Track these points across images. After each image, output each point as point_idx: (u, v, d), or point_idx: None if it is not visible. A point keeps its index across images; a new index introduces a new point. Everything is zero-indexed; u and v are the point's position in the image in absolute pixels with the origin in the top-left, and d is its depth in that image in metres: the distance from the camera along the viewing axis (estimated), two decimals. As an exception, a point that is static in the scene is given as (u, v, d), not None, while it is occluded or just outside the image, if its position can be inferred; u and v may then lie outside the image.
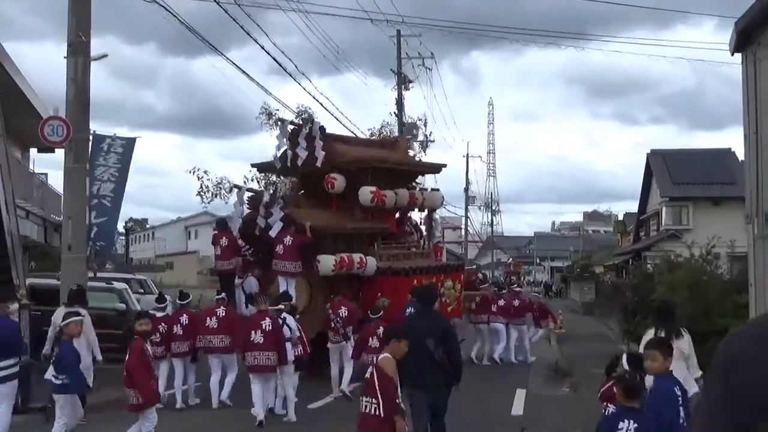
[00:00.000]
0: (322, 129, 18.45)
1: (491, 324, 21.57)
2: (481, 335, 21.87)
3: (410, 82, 39.68)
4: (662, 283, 19.06)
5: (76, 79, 14.86)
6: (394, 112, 38.57)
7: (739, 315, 15.73)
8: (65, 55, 14.97)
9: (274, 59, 23.06)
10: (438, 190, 22.56)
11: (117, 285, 22.20)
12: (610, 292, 39.87)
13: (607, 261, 66.21)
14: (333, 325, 15.71)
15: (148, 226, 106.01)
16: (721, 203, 44.55)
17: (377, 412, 7.36)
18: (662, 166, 48.82)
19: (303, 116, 19.39)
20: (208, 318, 14.35)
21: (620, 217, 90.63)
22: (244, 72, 22.10)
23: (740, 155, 45.70)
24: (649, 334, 9.74)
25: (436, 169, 22.68)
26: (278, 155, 18.65)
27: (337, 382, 15.54)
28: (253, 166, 21.82)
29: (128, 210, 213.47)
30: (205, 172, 30.76)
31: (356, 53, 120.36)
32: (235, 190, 19.17)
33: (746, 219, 14.57)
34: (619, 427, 6.32)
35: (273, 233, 17.07)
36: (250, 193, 18.90)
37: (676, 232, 43.91)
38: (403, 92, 39.00)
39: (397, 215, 20.59)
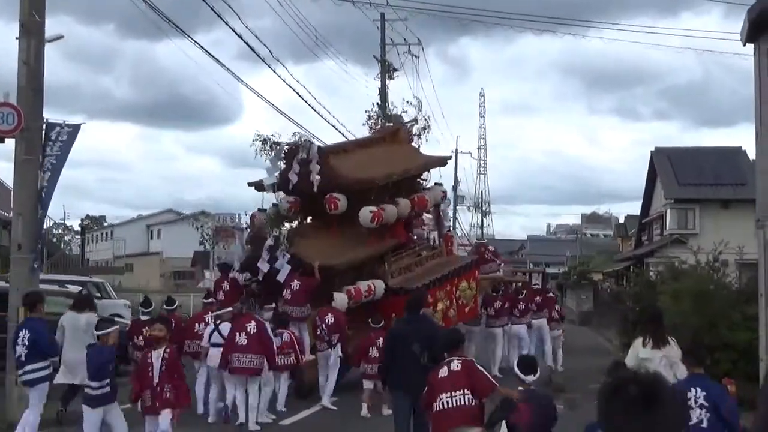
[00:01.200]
0: (319, 150, 18.99)
1: (513, 327, 22.17)
2: (499, 340, 21.99)
3: (395, 70, 39.63)
4: (665, 292, 19.18)
5: (29, 63, 14.76)
6: (377, 103, 38.58)
7: (748, 327, 15.83)
8: (17, 35, 14.88)
9: (246, 43, 22.91)
10: (440, 184, 22.71)
11: (72, 289, 22.07)
12: (610, 301, 40.10)
13: (607, 267, 66.51)
14: (319, 332, 16.62)
15: (106, 224, 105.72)
16: (730, 206, 44.85)
17: (471, 402, 8.54)
18: (667, 166, 49.05)
19: (300, 140, 19.74)
20: (237, 334, 14.20)
21: (621, 220, 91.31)
22: (213, 57, 22.05)
23: (751, 154, 46.11)
24: (638, 341, 11.08)
25: (440, 162, 23.10)
26: (269, 180, 19.21)
27: (324, 390, 16.45)
28: (250, 185, 21.65)
29: (84, 207, 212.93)
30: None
31: (335, 38, 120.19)
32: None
33: (757, 223, 14.63)
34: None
35: (281, 278, 17.58)
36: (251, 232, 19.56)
37: (681, 237, 44.18)
38: (387, 81, 39.00)
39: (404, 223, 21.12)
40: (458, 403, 8.69)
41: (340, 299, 17.46)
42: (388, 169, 19.83)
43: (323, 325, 16.57)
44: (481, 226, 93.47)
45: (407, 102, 38.09)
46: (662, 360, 10.59)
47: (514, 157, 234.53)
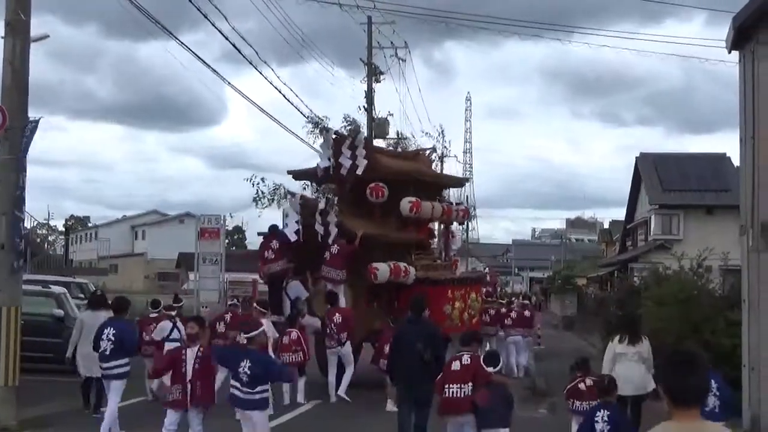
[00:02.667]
0: (365, 139, 20.50)
1: (511, 337, 23.66)
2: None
3: (381, 73, 39.64)
4: (649, 298, 19.23)
5: (14, 62, 14.68)
6: (364, 106, 38.56)
7: (732, 333, 15.87)
8: (2, 35, 14.80)
9: (233, 45, 22.94)
10: (460, 203, 23.65)
11: (55, 289, 21.91)
12: (594, 306, 40.19)
13: (591, 272, 66.61)
14: (328, 331, 17.57)
15: (90, 224, 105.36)
16: (715, 212, 45.05)
17: (469, 393, 10.37)
18: (652, 172, 49.21)
19: (350, 126, 20.89)
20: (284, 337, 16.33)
21: (606, 225, 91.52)
22: (198, 57, 21.99)
23: (735, 161, 46.31)
24: (615, 339, 13.00)
25: (459, 183, 25.05)
26: (321, 165, 20.11)
27: (334, 387, 17.41)
28: (289, 173, 22.58)
29: (69, 207, 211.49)
30: (263, 179, 34.25)
31: (322, 41, 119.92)
32: (289, 197, 20.37)
33: (741, 230, 14.69)
34: (596, 415, 9.31)
35: (330, 240, 18.68)
36: (301, 201, 20.15)
37: (665, 243, 44.32)
38: (374, 85, 38.99)
39: (429, 227, 22.66)
40: (464, 394, 10.51)
41: (383, 269, 18.53)
42: (421, 170, 21.64)
43: (332, 325, 17.51)
44: (466, 230, 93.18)
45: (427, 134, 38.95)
46: (635, 355, 12.62)
47: (499, 161, 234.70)
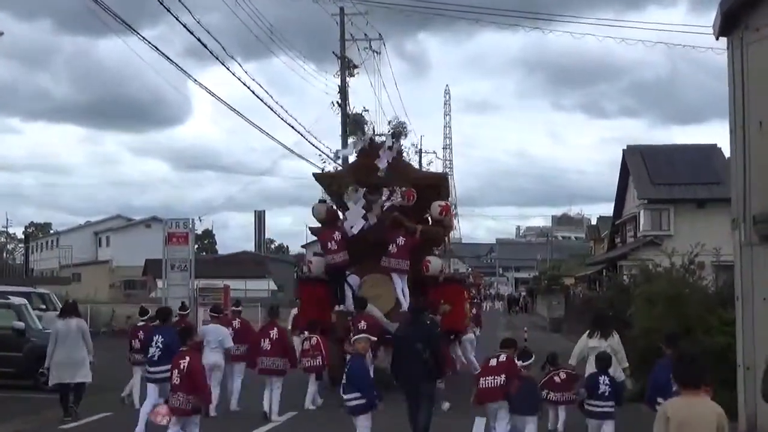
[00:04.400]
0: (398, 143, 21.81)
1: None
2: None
3: (355, 67, 39.60)
4: (639, 296, 19.31)
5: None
6: (337, 102, 38.52)
7: (725, 332, 15.95)
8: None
9: (198, 39, 22.89)
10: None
11: (15, 300, 21.76)
12: (582, 306, 40.29)
13: (579, 271, 66.86)
14: (351, 337, 17.73)
15: (51, 231, 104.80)
16: (706, 206, 45.33)
17: (501, 383, 12.27)
18: (640, 165, 49.41)
19: (398, 129, 21.76)
20: (262, 339, 16.88)
21: (593, 222, 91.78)
22: (160, 52, 21.85)
23: (726, 152, 46.58)
24: (586, 334, 14.84)
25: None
26: (347, 153, 21.81)
27: None
28: (313, 175, 23.62)
29: (28, 213, 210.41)
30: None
31: (291, 34, 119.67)
32: (352, 189, 20.98)
33: (732, 223, 14.78)
34: (599, 380, 12.55)
35: (393, 233, 20.21)
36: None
37: (655, 239, 44.50)
38: (348, 79, 38.95)
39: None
40: (490, 385, 12.37)
41: (436, 262, 21.25)
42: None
43: (357, 331, 17.58)
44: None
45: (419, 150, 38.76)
46: (607, 348, 14.00)
47: (479, 156, 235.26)
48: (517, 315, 71.56)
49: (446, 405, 17.08)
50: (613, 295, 23.11)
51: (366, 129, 23.18)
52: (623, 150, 52.23)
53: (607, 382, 12.42)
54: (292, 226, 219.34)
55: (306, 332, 18.43)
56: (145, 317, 18.14)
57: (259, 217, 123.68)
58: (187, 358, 11.52)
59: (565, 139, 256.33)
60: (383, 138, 22.08)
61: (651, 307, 18.08)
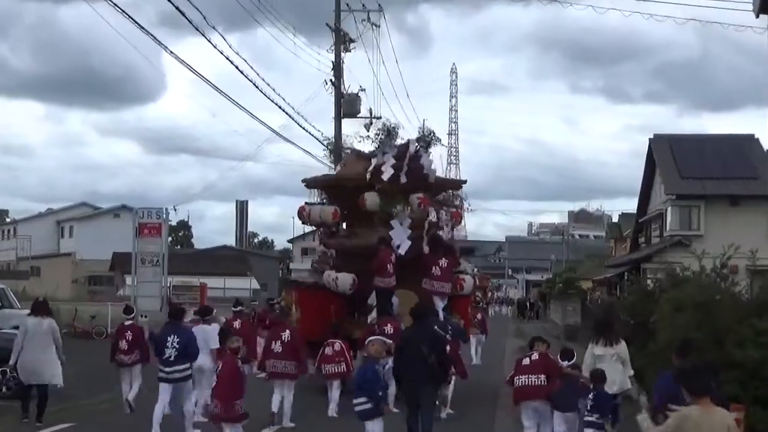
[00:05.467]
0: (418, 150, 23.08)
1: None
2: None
3: (352, 41, 39.59)
4: (664, 303, 19.29)
5: None
6: (331, 80, 38.51)
7: (760, 344, 15.93)
8: None
9: (175, 6, 22.88)
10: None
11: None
12: (601, 313, 40.30)
13: (597, 274, 66.95)
14: None
15: (8, 219, 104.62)
16: (741, 203, 45.38)
17: (542, 383, 13.78)
18: (668, 156, 49.41)
19: (428, 137, 23.81)
20: (273, 341, 17.73)
21: (614, 219, 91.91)
22: (133, 20, 21.84)
23: (765, 143, 46.62)
24: (593, 344, 15.42)
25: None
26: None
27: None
28: (303, 182, 24.80)
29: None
30: None
31: (277, 1, 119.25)
32: (399, 208, 22.08)
33: (770, 223, 14.80)
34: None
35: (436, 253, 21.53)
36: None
37: (683, 239, 44.55)
38: (343, 54, 38.92)
39: None
40: (533, 383, 13.84)
41: (469, 280, 23.57)
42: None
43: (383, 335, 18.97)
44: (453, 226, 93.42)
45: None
46: (613, 356, 15.02)
47: (486, 144, 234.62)
48: (529, 321, 71.61)
49: (445, 413, 18.06)
50: (636, 301, 23.06)
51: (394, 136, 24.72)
52: (649, 139, 52.30)
53: (590, 397, 13.44)
54: (278, 219, 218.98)
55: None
56: (132, 316, 19.04)
57: (241, 208, 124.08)
58: (221, 364, 12.83)
59: (584, 126, 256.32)
60: (410, 145, 23.29)
61: (678, 315, 18.06)
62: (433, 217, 22.02)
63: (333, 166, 36.40)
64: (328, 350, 18.77)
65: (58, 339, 17.28)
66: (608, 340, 15.34)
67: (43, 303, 18.18)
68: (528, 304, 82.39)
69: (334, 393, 18.60)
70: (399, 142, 32.20)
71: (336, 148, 38.50)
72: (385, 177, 21.50)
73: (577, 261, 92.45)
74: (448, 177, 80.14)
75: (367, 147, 37.11)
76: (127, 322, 18.96)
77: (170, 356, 15.57)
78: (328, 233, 23.64)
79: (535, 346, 14.71)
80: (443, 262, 21.47)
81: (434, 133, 28.17)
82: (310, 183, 25.05)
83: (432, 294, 21.22)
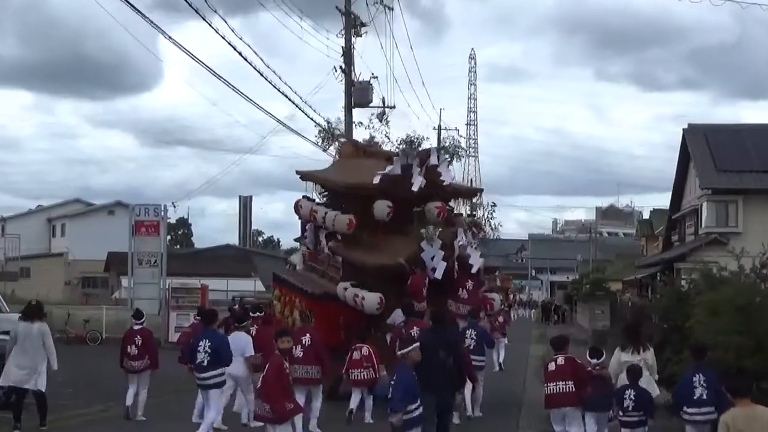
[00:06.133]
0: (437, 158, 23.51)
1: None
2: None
3: (363, 25, 39.53)
4: (700, 306, 19.21)
5: None
6: (341, 67, 38.47)
7: (805, 349, 15.90)
8: None
9: (176, -11, 22.87)
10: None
11: (-49, 299, 21.93)
12: (630, 318, 40.25)
13: (628, 275, 66.85)
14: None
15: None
16: (782, 198, 45.23)
17: (571, 389, 14.71)
18: (703, 148, 49.29)
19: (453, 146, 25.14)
20: (294, 346, 17.48)
21: (645, 216, 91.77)
22: (129, 3, 21.84)
23: (808, 134, 46.38)
24: (620, 350, 16.14)
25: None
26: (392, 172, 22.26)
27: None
28: (297, 173, 25.31)
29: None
30: None
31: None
32: (427, 231, 23.84)
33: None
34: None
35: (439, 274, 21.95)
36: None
37: (720, 237, 44.47)
38: (354, 39, 38.87)
39: None
40: (561, 390, 14.76)
41: (498, 300, 26.11)
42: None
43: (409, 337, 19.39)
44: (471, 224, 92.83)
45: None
46: (640, 362, 15.51)
47: (507, 135, 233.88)
48: (555, 325, 71.54)
49: (461, 417, 19.01)
50: (669, 303, 22.93)
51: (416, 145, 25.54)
52: (683, 130, 52.15)
53: (632, 396, 14.58)
54: (285, 216, 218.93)
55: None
56: (142, 320, 19.85)
57: (245, 204, 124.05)
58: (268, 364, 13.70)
59: (612, 116, 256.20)
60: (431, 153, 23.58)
61: (714, 319, 17.99)
62: (462, 239, 22.90)
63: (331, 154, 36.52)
64: (356, 354, 19.08)
65: (50, 345, 17.61)
66: (636, 347, 16.08)
67: (36, 306, 18.40)
68: (553, 307, 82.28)
69: (366, 399, 19.18)
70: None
71: (347, 139, 38.42)
72: (415, 188, 21.88)
73: (605, 261, 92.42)
74: (464, 180, 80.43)
75: (361, 134, 36.94)
76: (136, 327, 19.65)
77: (203, 361, 16.39)
78: (336, 239, 23.66)
79: (562, 348, 15.44)
80: (470, 284, 22.75)
81: (459, 144, 29.27)
82: (303, 177, 25.55)
83: (458, 317, 21.99)
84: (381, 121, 41.43)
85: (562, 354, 15.29)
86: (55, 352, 17.85)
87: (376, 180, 21.80)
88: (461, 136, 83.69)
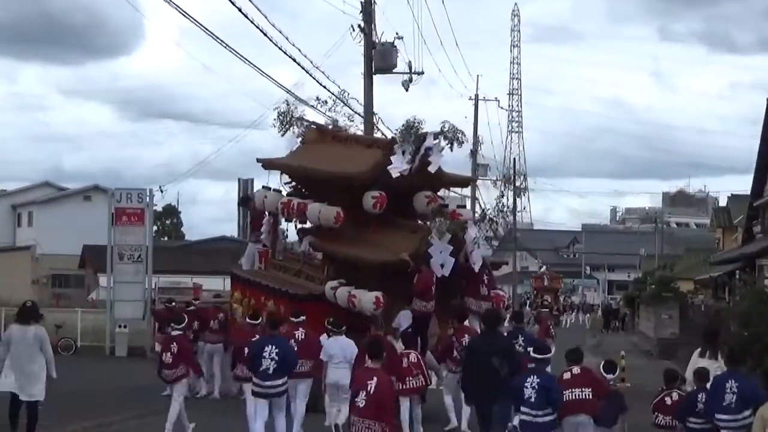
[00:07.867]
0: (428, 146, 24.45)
1: None
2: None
3: (385, -23, 39.51)
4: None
5: None
6: (359, 26, 38.42)
7: None
8: None
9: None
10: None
11: None
12: (705, 322, 40.29)
13: (701, 273, 66.77)
14: (455, 353, 21.49)
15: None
16: None
17: (588, 397, 15.82)
18: (791, 121, 49.19)
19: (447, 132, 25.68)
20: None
21: (722, 203, 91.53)
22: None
23: None
24: (696, 353, 18.02)
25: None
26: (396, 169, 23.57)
27: (452, 410, 21.99)
28: (258, 161, 26.81)
29: None
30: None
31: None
32: (437, 225, 24.86)
33: None
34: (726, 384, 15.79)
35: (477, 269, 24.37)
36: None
37: (811, 228, 44.43)
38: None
39: None
40: (578, 397, 15.78)
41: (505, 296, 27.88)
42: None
43: (460, 347, 21.17)
44: (513, 210, 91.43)
45: None
46: (717, 369, 16.76)
47: (556, 106, 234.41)
48: (615, 333, 71.42)
49: None
50: (750, 307, 23.04)
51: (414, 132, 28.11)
52: (766, 99, 52.01)
53: (704, 400, 15.92)
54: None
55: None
56: (181, 326, 21.26)
57: (245, 189, 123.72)
58: (375, 379, 13.59)
59: (679, 84, 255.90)
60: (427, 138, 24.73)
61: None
62: (474, 233, 24.87)
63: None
64: (404, 361, 19.75)
65: (48, 350, 18.77)
66: (714, 353, 17.62)
67: (31, 308, 19.41)
68: (615, 310, 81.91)
69: (415, 409, 20.03)
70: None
71: (367, 113, 38.43)
72: (394, 174, 23.16)
73: (674, 256, 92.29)
74: (506, 161, 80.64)
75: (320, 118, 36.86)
76: (174, 333, 21.02)
77: (268, 368, 17.79)
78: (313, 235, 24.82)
79: (574, 359, 16.69)
80: (485, 278, 24.64)
81: (461, 132, 29.79)
82: (267, 165, 26.90)
83: (475, 314, 23.40)
84: (407, 90, 41.25)
85: (577, 366, 16.46)
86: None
87: (395, 175, 23.09)
88: (501, 108, 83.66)
